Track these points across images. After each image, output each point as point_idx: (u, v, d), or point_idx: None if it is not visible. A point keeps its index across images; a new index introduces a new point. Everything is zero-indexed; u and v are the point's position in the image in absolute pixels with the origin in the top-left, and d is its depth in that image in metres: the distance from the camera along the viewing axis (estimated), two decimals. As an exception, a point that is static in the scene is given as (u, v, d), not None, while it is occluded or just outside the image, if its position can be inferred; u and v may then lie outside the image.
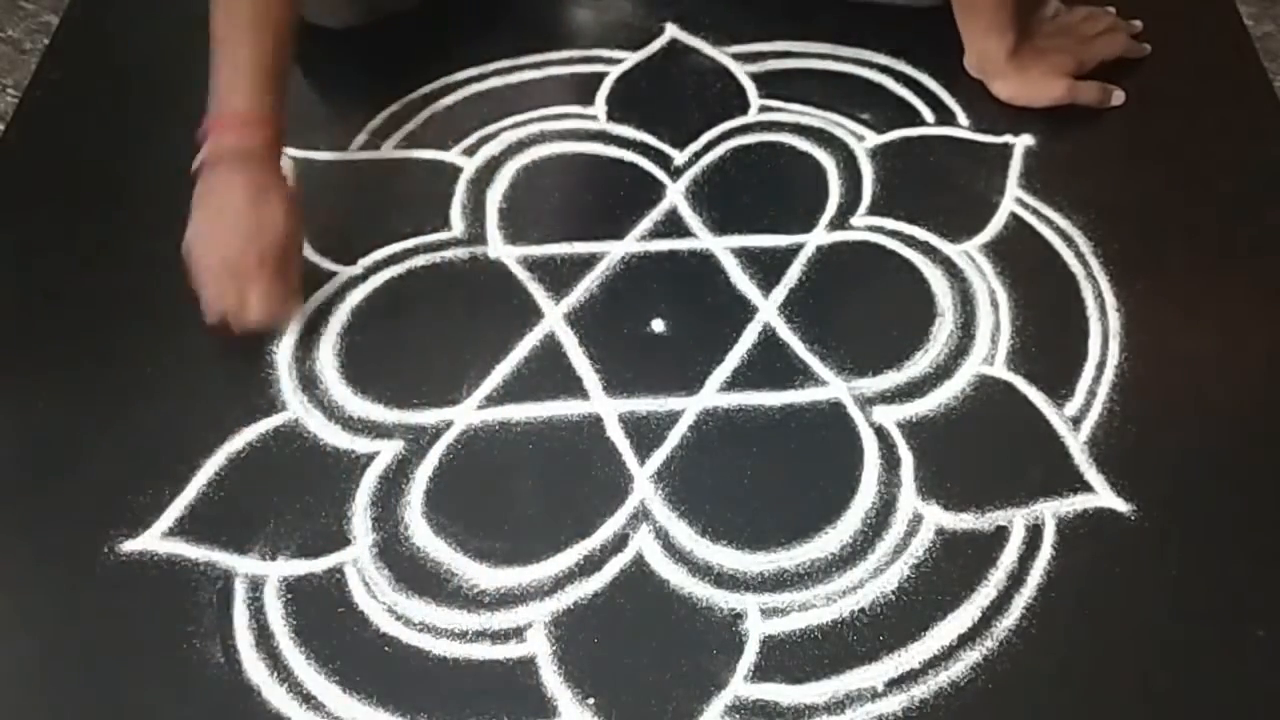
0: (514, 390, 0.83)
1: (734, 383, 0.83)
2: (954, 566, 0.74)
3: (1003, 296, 0.87)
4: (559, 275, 0.89)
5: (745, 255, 0.90)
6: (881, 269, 0.89)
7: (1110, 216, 0.91)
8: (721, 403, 0.82)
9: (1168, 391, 0.82)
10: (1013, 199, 0.93)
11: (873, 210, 0.92)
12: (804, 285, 0.88)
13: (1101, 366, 0.83)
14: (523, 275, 0.89)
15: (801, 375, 0.83)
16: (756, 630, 0.72)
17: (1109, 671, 0.70)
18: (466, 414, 0.82)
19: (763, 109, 0.99)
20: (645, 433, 0.80)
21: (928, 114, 0.98)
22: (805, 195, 0.94)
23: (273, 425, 0.81)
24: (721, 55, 1.03)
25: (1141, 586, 0.73)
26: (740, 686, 0.69)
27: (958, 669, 0.70)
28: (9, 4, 1.13)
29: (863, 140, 0.97)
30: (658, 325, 0.86)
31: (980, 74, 0.98)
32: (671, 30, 1.05)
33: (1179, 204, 0.93)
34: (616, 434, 0.80)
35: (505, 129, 0.98)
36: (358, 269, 0.89)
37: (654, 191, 0.94)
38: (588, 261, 0.90)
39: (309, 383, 0.83)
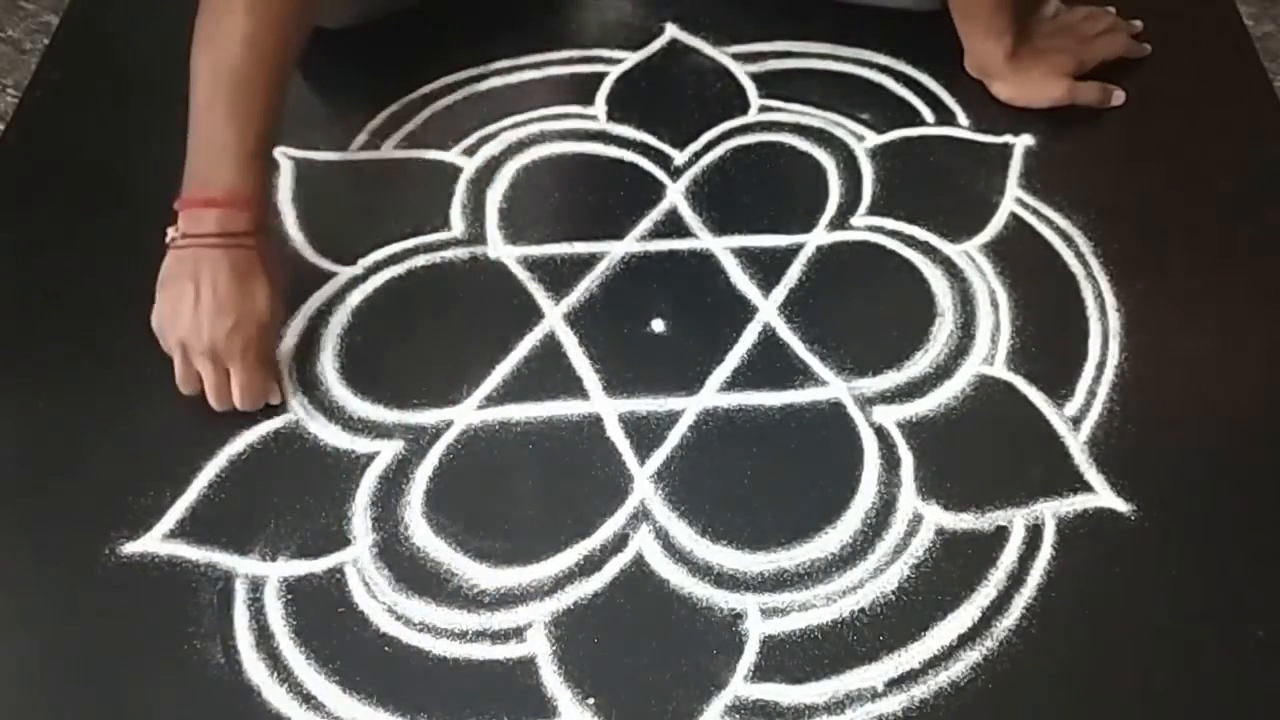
0: (514, 390, 0.83)
1: (734, 383, 0.83)
2: (954, 566, 0.74)
3: (1003, 296, 0.87)
4: (559, 275, 0.89)
5: (745, 255, 0.90)
6: (881, 269, 0.89)
7: (1110, 216, 0.91)
8: (721, 403, 0.82)
9: (1168, 391, 0.82)
10: (1013, 199, 0.93)
11: (873, 210, 0.92)
12: (804, 285, 0.88)
13: (1101, 366, 0.83)
14: (523, 275, 0.89)
15: (801, 375, 0.83)
16: (756, 630, 0.72)
17: (1109, 671, 0.70)
18: (466, 414, 0.81)
19: (763, 109, 0.99)
20: (645, 433, 0.80)
21: (928, 114, 0.98)
22: (805, 195, 0.93)
23: (273, 427, 0.81)
24: (721, 55, 1.03)
25: (1141, 586, 0.73)
26: (740, 686, 0.70)
27: (958, 669, 0.70)
28: (9, 4, 1.13)
29: (863, 140, 0.97)
30: (658, 325, 0.86)
31: (980, 75, 0.98)
32: (671, 30, 1.05)
33: (1179, 204, 0.93)
34: (616, 434, 0.80)
35: (505, 129, 0.98)
36: (358, 269, 0.89)
37: (654, 191, 0.94)
38: (588, 261, 0.90)
39: (309, 383, 0.83)
